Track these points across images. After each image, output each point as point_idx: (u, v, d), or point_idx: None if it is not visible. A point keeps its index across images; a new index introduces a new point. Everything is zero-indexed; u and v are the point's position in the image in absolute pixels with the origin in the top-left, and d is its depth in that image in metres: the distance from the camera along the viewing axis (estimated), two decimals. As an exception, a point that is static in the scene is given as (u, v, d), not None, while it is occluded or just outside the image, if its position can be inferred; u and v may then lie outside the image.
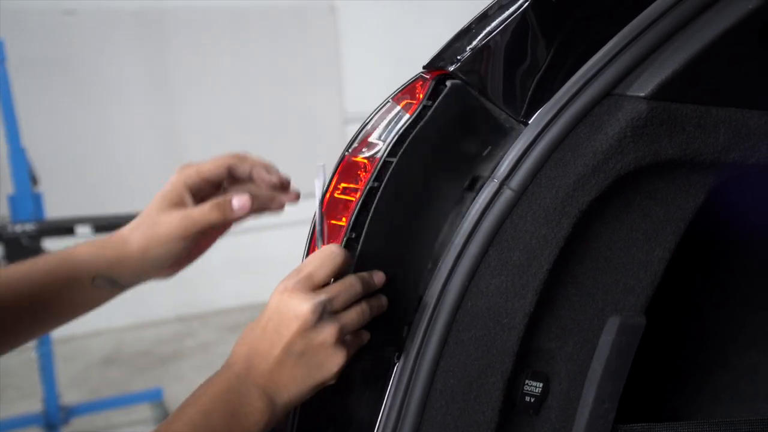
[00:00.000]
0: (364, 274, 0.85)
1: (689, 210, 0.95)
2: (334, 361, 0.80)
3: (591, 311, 0.94)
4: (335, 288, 0.82)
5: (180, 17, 4.02)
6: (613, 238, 0.93)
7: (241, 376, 0.78)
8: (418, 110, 0.91)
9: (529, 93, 0.90)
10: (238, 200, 0.95)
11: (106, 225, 2.93)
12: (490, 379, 0.88)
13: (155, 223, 0.93)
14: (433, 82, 0.91)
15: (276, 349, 0.79)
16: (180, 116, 4.13)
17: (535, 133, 0.87)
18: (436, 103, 0.91)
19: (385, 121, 0.93)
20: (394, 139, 0.90)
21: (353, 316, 0.82)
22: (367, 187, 0.90)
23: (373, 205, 0.88)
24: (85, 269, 0.91)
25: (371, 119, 0.93)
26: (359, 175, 0.92)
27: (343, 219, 0.91)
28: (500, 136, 0.92)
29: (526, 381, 0.93)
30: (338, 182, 0.93)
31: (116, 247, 0.94)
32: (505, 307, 0.86)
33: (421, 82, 0.92)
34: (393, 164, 0.89)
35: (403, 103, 0.92)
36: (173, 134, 4.14)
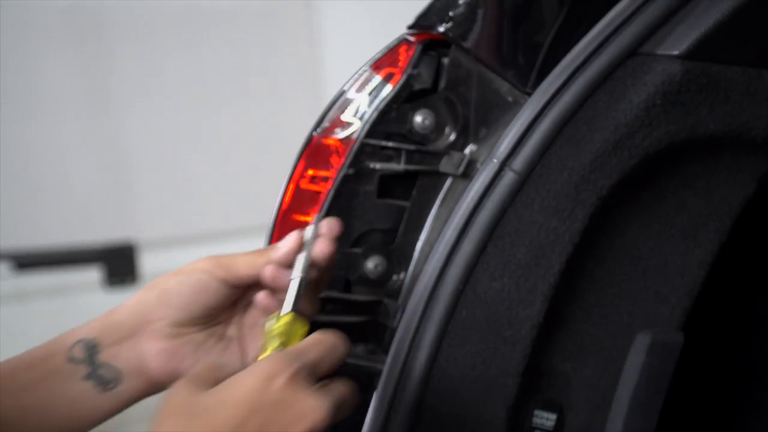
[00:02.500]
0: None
1: (737, 202, 0.84)
2: None
3: (615, 325, 0.84)
4: (340, 388, 0.63)
5: (122, 16, 3.75)
6: (641, 235, 0.83)
7: None
8: (402, 81, 0.81)
9: (539, 58, 0.80)
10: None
11: (29, 261, 2.51)
12: (490, 406, 0.78)
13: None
14: (420, 47, 0.81)
15: None
16: (124, 132, 3.75)
17: (543, 102, 0.77)
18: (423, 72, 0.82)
19: (362, 95, 0.82)
20: (374, 117, 0.81)
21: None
22: (341, 174, 0.81)
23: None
24: (63, 341, 0.70)
25: (345, 92, 0.83)
26: (330, 160, 0.82)
27: (311, 214, 0.82)
28: (502, 111, 0.81)
29: (536, 411, 0.83)
30: (305, 169, 0.83)
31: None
32: (507, 316, 0.77)
33: (405, 47, 0.83)
34: (372, 147, 0.81)
35: (384, 72, 0.82)
36: (115, 152, 3.78)
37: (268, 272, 0.69)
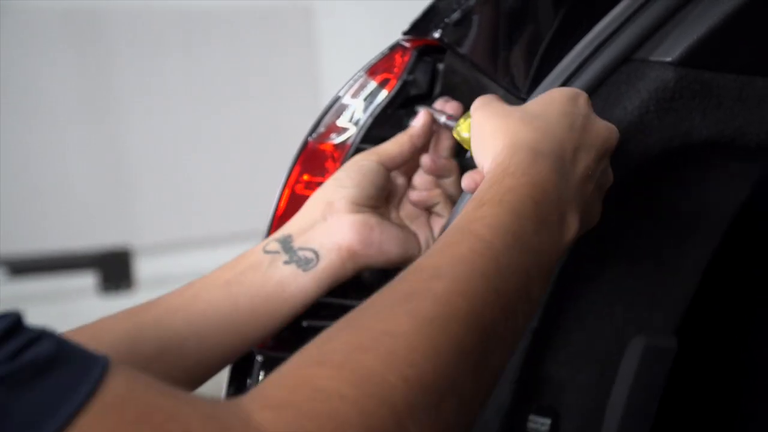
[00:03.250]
0: None
1: (730, 207, 0.83)
2: (599, 209, 0.67)
3: (609, 331, 0.83)
4: None
5: (122, 18, 3.70)
6: (636, 241, 0.82)
7: (560, 174, 0.60)
8: (397, 87, 0.80)
9: (534, 65, 0.79)
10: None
11: (26, 267, 2.45)
12: (486, 413, 0.78)
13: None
14: (416, 52, 0.81)
15: (585, 159, 0.63)
16: (123, 134, 3.71)
17: (537, 108, 0.74)
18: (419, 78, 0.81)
19: (358, 100, 0.82)
20: (369, 122, 0.80)
21: None
22: None
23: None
24: (256, 247, 0.74)
25: (340, 98, 0.81)
26: (325, 165, 0.81)
27: None
28: None
29: (531, 417, 0.82)
30: (301, 174, 0.81)
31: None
32: (502, 323, 0.74)
33: (400, 52, 0.82)
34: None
35: (380, 77, 0.81)
36: (114, 155, 3.68)
37: (426, 159, 0.76)
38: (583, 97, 0.67)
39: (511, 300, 0.52)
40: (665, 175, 0.81)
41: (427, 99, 0.82)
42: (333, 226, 0.72)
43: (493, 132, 0.64)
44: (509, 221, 0.55)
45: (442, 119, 0.76)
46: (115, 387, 0.39)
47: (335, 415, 0.40)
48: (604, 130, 0.65)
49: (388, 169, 0.76)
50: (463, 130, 0.73)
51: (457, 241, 0.54)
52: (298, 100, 3.79)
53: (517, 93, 0.79)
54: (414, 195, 0.77)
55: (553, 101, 0.66)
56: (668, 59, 0.75)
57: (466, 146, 0.73)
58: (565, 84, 0.76)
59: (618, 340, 0.83)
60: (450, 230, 0.56)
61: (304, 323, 0.80)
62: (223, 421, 0.40)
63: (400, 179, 0.78)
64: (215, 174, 3.79)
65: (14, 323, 0.39)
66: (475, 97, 0.81)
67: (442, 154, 0.78)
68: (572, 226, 0.60)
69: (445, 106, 0.78)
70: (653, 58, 0.75)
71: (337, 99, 0.81)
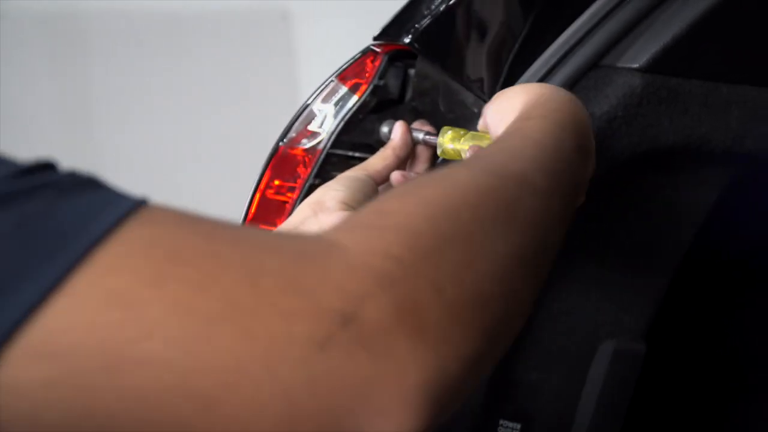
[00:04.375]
0: None
1: (699, 212, 0.84)
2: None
3: (580, 334, 0.83)
4: None
5: (100, 23, 3.67)
6: (606, 246, 0.83)
7: (582, 148, 0.63)
8: (368, 91, 0.80)
9: (504, 70, 0.79)
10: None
11: None
12: (455, 417, 0.78)
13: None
14: (386, 57, 0.81)
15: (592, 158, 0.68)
16: (101, 138, 3.74)
17: (507, 113, 0.74)
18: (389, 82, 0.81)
19: (328, 106, 0.81)
20: (340, 127, 0.80)
21: None
22: (307, 184, 0.80)
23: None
24: None
25: (311, 103, 0.81)
26: (297, 170, 0.81)
27: (278, 224, 0.80)
28: (468, 122, 0.80)
29: (501, 421, 0.82)
30: (271, 179, 0.81)
31: None
32: (471, 327, 0.74)
33: (371, 58, 0.81)
34: (338, 157, 0.81)
35: (350, 82, 0.81)
36: (92, 159, 3.71)
37: (396, 175, 0.76)
38: None
39: (558, 196, 0.53)
40: (634, 180, 0.81)
41: (399, 104, 0.82)
42: (323, 221, 0.72)
43: (516, 91, 0.66)
44: (557, 130, 0.58)
45: (421, 136, 0.77)
46: (167, 207, 0.37)
47: (405, 226, 0.41)
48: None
49: (376, 182, 0.77)
50: (447, 141, 0.73)
51: (505, 138, 0.56)
52: (279, 106, 3.76)
53: (487, 99, 0.78)
54: None
55: (550, 95, 0.69)
56: (635, 65, 0.76)
57: (448, 157, 0.73)
58: None
59: (588, 343, 0.83)
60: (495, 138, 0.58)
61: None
62: (299, 239, 0.40)
63: None
64: (195, 179, 3.77)
65: (54, 161, 0.39)
66: (446, 102, 0.82)
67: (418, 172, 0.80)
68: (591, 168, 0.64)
69: (423, 126, 0.79)
70: (620, 64, 0.76)
71: (306, 105, 0.81)
